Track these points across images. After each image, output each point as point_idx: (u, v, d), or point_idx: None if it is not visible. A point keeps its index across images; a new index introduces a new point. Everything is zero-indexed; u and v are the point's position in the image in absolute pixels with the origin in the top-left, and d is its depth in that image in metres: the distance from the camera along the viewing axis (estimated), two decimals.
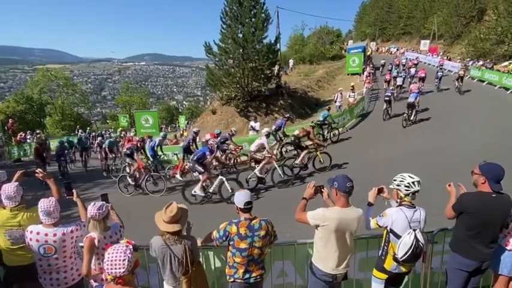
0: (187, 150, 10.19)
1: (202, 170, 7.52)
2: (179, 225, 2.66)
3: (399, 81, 18.99)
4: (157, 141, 9.88)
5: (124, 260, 1.86)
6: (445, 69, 23.11)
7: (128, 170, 9.65)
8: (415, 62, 27.43)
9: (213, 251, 3.31)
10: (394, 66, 24.66)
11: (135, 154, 9.32)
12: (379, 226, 2.84)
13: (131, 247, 1.99)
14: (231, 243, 2.71)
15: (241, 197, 2.75)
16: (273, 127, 11.81)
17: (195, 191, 7.69)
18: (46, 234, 2.66)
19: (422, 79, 18.55)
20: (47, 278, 2.78)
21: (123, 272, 1.85)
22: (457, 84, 17.85)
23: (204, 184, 7.70)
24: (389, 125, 13.99)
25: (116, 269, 1.85)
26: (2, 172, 3.58)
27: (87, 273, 2.64)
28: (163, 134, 10.87)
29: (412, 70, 21.98)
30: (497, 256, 2.88)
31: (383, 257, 2.86)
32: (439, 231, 3.36)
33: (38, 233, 2.66)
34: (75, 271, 2.87)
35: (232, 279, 2.79)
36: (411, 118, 12.91)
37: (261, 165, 8.50)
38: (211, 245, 2.93)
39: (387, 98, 14.36)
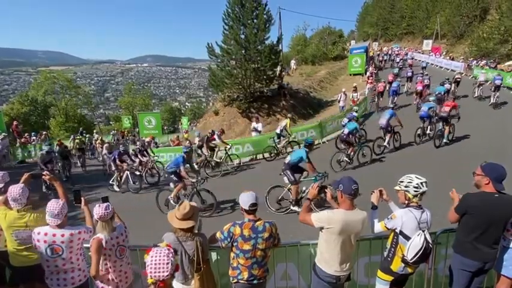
0: None
1: None
2: (192, 222, 2.70)
3: (397, 60, 30.31)
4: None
5: (168, 263, 1.87)
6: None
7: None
8: (397, 52, 37.88)
9: (216, 252, 3.31)
10: (385, 54, 36.49)
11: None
12: (388, 229, 2.82)
13: (172, 250, 2.00)
14: (235, 244, 2.72)
15: (246, 198, 2.73)
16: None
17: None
18: (54, 235, 2.70)
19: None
20: (53, 279, 2.81)
21: (167, 275, 1.86)
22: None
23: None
24: None
25: (160, 272, 1.85)
26: (4, 173, 3.61)
27: (96, 274, 2.67)
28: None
29: (398, 58, 32.57)
30: (501, 256, 2.86)
31: (389, 259, 2.85)
32: (442, 232, 3.35)
33: (45, 234, 2.70)
34: (81, 272, 2.91)
35: (235, 280, 2.80)
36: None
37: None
38: (215, 246, 2.94)
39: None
